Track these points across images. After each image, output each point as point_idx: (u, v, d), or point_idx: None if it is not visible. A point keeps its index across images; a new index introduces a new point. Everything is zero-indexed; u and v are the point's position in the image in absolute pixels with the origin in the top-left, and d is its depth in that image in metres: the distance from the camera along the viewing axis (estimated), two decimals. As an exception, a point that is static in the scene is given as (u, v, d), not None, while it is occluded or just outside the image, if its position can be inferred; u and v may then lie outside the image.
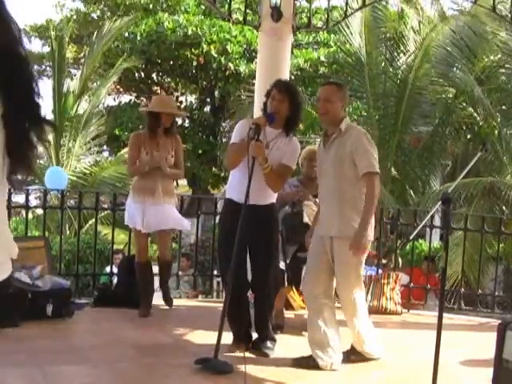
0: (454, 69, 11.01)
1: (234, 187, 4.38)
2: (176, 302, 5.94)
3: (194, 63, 16.17)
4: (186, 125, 17.60)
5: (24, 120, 1.59)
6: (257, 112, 5.60)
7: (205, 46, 15.25)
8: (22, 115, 1.58)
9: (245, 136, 4.14)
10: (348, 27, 10.85)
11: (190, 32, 15.18)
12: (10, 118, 1.53)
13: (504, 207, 10.21)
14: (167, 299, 5.75)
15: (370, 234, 4.07)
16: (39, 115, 1.65)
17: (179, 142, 5.56)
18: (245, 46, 15.50)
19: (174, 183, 5.67)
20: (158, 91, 19.18)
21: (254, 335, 4.51)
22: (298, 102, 4.41)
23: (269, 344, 4.45)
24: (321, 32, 15.66)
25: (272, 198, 4.45)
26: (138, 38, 15.54)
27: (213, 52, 15.19)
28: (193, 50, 15.53)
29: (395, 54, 11.52)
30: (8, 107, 1.53)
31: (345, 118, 4.17)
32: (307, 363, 4.15)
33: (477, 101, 10.73)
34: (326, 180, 4.18)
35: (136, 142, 5.41)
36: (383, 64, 11.52)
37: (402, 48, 11.37)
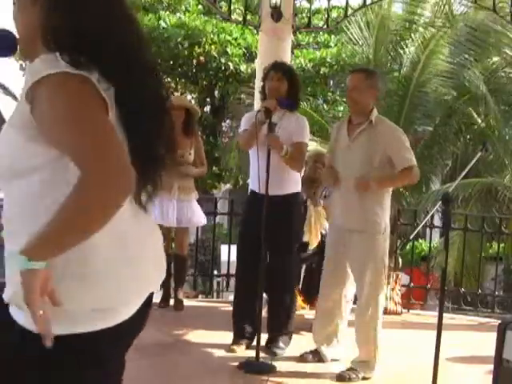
0: (458, 67, 10.97)
1: (251, 177, 4.33)
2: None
3: (195, 63, 16.17)
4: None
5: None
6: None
7: (206, 46, 15.25)
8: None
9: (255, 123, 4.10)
10: (358, 26, 10.82)
11: (190, 31, 15.17)
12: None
13: (500, 208, 10.16)
14: (177, 302, 5.68)
15: (387, 222, 3.98)
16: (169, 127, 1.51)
17: (199, 140, 5.74)
18: (245, 49, 15.50)
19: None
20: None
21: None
22: (297, 79, 4.42)
23: (281, 344, 4.34)
24: (321, 33, 15.66)
25: (293, 187, 4.34)
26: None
27: (213, 52, 15.19)
28: (195, 49, 15.52)
29: (402, 52, 11.46)
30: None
31: (374, 109, 4.01)
32: (313, 358, 4.21)
33: (481, 99, 10.66)
34: (349, 171, 3.97)
35: None
36: (389, 64, 11.48)
37: (407, 47, 11.33)
